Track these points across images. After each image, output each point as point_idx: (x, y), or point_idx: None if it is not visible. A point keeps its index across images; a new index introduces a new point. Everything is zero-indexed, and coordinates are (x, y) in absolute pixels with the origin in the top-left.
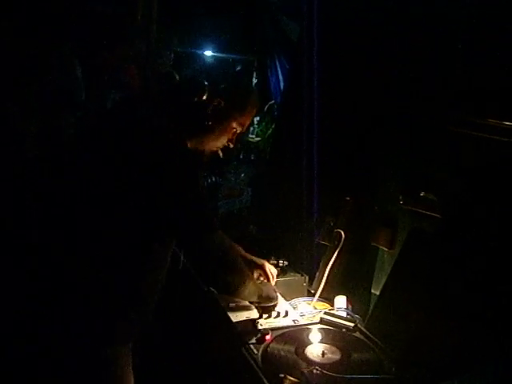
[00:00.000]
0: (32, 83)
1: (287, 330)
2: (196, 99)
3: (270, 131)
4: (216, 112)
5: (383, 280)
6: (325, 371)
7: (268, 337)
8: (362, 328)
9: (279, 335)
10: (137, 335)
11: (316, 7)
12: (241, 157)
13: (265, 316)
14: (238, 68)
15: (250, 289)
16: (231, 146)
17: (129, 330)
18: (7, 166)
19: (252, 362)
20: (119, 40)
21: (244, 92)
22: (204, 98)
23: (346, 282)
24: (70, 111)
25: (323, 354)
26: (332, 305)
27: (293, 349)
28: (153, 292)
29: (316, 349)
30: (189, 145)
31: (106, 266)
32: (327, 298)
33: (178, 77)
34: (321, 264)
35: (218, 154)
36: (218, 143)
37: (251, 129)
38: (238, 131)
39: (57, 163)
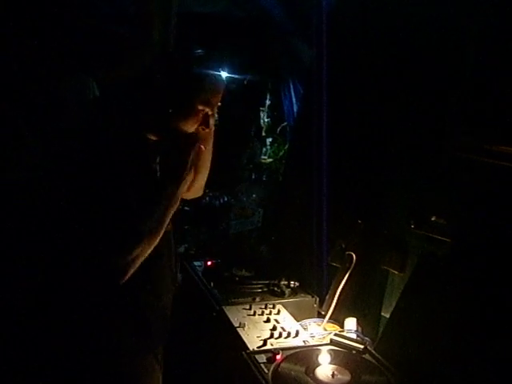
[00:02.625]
0: (39, 98)
1: (297, 350)
2: (149, 88)
3: (282, 152)
4: (173, 97)
5: (393, 303)
6: None
7: (278, 356)
8: (372, 350)
9: (290, 355)
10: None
11: (327, 32)
12: (253, 177)
13: (276, 336)
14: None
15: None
16: (206, 130)
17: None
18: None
19: (262, 381)
20: (129, 60)
21: (194, 68)
22: (158, 85)
23: (356, 304)
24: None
25: (333, 375)
26: (342, 326)
27: (303, 369)
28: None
29: (326, 370)
30: (157, 135)
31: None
32: (337, 319)
33: None
34: (331, 286)
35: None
36: (186, 128)
37: (264, 150)
38: (209, 112)
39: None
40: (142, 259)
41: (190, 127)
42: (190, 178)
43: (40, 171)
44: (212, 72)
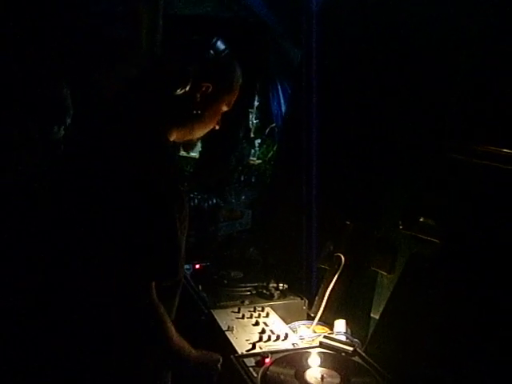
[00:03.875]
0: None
1: (287, 353)
2: (180, 90)
3: (270, 154)
4: (204, 98)
5: (382, 304)
6: None
7: (267, 360)
8: (361, 352)
9: (279, 358)
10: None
11: (316, 34)
12: (242, 179)
13: (265, 339)
14: (217, 42)
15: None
16: (217, 127)
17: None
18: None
19: None
20: (117, 62)
21: (231, 68)
22: (188, 88)
23: (346, 305)
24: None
25: (322, 378)
26: (331, 328)
27: (292, 372)
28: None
29: (315, 373)
30: (177, 136)
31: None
32: (326, 321)
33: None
34: (320, 288)
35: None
36: (206, 129)
37: (252, 151)
38: (225, 110)
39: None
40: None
41: (211, 127)
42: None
43: (40, 171)
44: (240, 71)
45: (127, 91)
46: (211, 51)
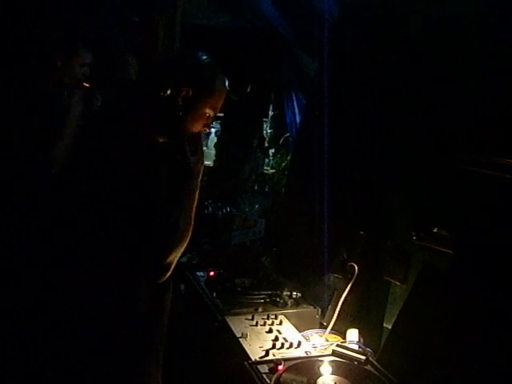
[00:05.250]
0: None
1: (299, 360)
2: (162, 93)
3: (284, 163)
4: (185, 102)
5: (395, 314)
6: None
7: (280, 367)
8: (374, 361)
9: (291, 366)
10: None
11: (330, 44)
12: (255, 188)
13: (278, 346)
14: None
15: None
16: (207, 130)
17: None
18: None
19: None
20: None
21: (210, 74)
22: (169, 91)
23: (358, 315)
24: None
25: None
26: (344, 337)
27: (305, 380)
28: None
29: (327, 381)
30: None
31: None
32: (339, 330)
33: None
34: (333, 297)
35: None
36: (192, 131)
37: (266, 160)
38: (212, 115)
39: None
40: (179, 255)
41: (196, 129)
42: (201, 169)
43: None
44: (221, 78)
45: (126, 94)
46: (191, 60)
